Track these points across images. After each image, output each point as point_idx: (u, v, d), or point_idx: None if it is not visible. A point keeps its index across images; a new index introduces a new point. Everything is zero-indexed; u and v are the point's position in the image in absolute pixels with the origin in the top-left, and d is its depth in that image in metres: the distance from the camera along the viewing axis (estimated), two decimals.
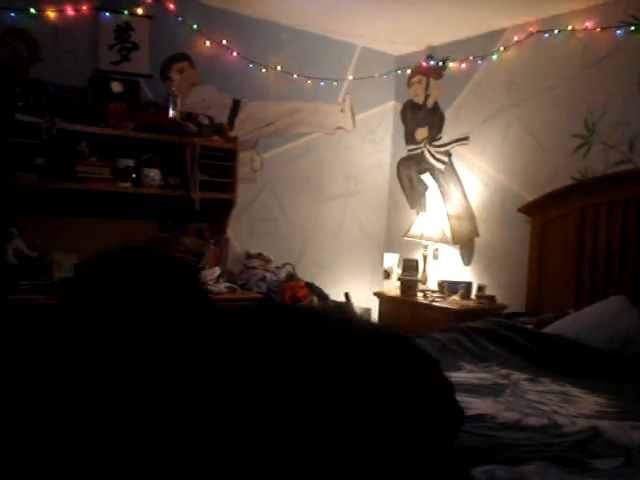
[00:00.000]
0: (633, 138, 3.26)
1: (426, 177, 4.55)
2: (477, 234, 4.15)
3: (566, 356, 2.62)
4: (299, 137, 4.39)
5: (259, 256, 4.09)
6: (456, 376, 2.39)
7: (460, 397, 2.08)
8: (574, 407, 2.06)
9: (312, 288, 4.07)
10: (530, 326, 3.07)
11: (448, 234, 4.28)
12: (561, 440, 1.72)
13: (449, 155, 4.35)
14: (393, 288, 4.26)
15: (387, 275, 4.41)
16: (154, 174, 3.47)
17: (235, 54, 3.98)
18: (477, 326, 3.05)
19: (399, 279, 4.15)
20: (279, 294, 3.86)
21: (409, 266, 4.05)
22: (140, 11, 3.60)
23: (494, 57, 4.00)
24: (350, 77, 4.52)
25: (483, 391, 2.19)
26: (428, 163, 4.53)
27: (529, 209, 3.71)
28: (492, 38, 4.01)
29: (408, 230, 4.25)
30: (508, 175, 3.94)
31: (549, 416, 1.94)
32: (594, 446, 1.69)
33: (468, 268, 4.19)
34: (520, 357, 2.69)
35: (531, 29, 3.75)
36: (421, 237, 4.15)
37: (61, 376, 1.27)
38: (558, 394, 2.20)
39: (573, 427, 1.84)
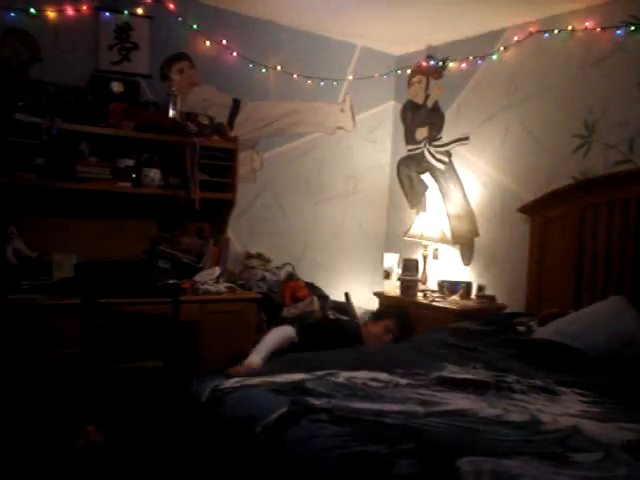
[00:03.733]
0: (633, 138, 3.26)
1: (426, 177, 4.55)
2: (477, 234, 4.15)
3: (554, 361, 2.58)
4: (299, 137, 4.39)
5: (259, 256, 4.08)
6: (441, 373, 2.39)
7: (442, 394, 2.08)
8: (559, 406, 2.05)
9: (312, 288, 4.07)
10: (533, 322, 3.07)
11: (448, 234, 4.28)
12: (542, 437, 1.73)
13: (449, 155, 4.35)
14: (393, 288, 4.26)
15: (387, 275, 4.41)
16: (154, 174, 3.47)
17: (235, 54, 3.98)
18: (466, 327, 3.06)
19: (399, 279, 4.15)
20: (279, 294, 3.86)
21: (409, 266, 4.05)
22: (140, 11, 3.61)
23: (494, 57, 4.00)
24: (350, 77, 4.52)
25: (467, 389, 2.18)
26: (428, 163, 4.53)
27: (529, 209, 3.71)
28: (492, 38, 4.01)
29: (408, 230, 4.25)
30: (508, 175, 3.94)
31: (532, 413, 1.94)
32: (575, 442, 1.70)
33: (468, 268, 4.19)
34: (508, 360, 2.63)
35: (531, 29, 3.75)
36: (421, 237, 4.15)
37: None
38: (544, 394, 2.19)
39: (554, 424, 1.83)
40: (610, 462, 1.57)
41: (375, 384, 2.18)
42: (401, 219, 4.69)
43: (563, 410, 2.01)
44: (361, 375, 2.26)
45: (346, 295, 4.25)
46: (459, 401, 2.02)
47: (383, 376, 2.28)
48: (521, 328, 3.11)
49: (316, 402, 1.91)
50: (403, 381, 2.23)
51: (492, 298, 3.83)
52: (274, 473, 1.71)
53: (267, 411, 1.86)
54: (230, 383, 2.16)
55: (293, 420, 1.77)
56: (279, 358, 2.59)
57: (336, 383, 2.15)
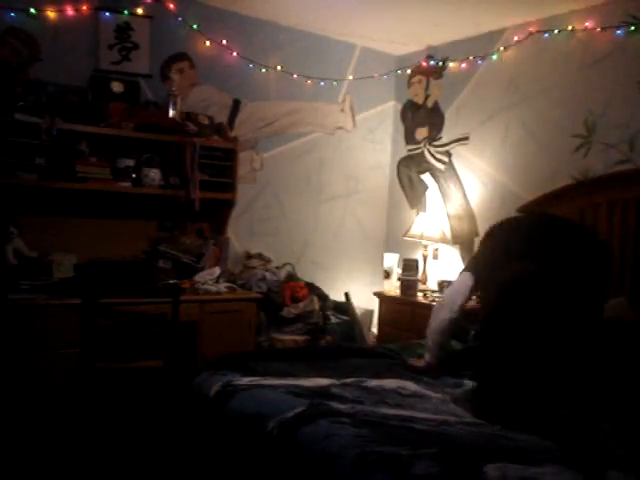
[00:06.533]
0: (633, 138, 3.26)
1: (426, 177, 4.55)
2: (477, 234, 4.15)
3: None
4: (299, 137, 4.39)
5: (259, 256, 4.09)
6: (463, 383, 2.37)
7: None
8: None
9: (312, 288, 4.08)
10: None
11: (448, 234, 4.28)
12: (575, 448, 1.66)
13: (449, 155, 4.35)
14: (393, 288, 4.26)
15: (387, 275, 4.41)
16: (154, 174, 3.47)
17: (235, 54, 3.98)
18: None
19: (399, 279, 4.15)
20: (279, 294, 3.86)
21: (409, 266, 4.05)
22: (140, 11, 3.60)
23: (494, 57, 4.00)
24: (350, 77, 4.52)
25: None
26: (428, 163, 4.53)
27: (529, 209, 3.70)
28: (492, 38, 4.01)
29: (408, 230, 4.25)
30: (508, 175, 3.94)
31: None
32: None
33: None
34: None
35: (531, 29, 3.75)
36: (421, 237, 4.15)
37: None
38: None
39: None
40: None
41: (405, 392, 2.15)
42: (401, 219, 4.69)
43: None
44: (388, 383, 2.23)
45: (346, 295, 4.25)
46: None
47: (409, 385, 2.25)
48: None
49: (340, 406, 1.86)
50: (429, 393, 2.19)
51: None
52: (285, 471, 1.68)
53: (283, 409, 1.83)
54: (245, 380, 2.14)
55: (311, 419, 1.74)
56: (306, 363, 2.49)
57: (367, 388, 2.12)
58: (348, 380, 2.23)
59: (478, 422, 1.84)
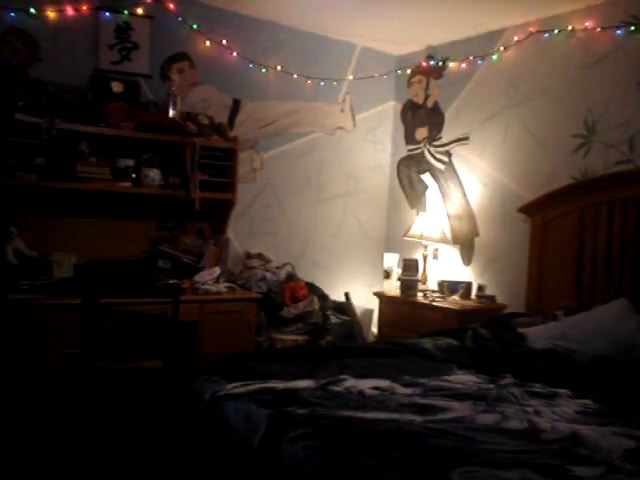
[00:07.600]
0: (633, 138, 3.26)
1: (426, 177, 4.55)
2: (477, 234, 4.15)
3: (551, 372, 2.50)
4: (299, 137, 4.39)
5: (259, 256, 4.09)
6: (446, 379, 2.37)
7: (439, 401, 2.04)
8: (558, 409, 2.03)
9: (312, 288, 4.08)
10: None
11: (448, 234, 4.28)
12: (541, 447, 1.66)
13: (449, 155, 4.35)
14: (393, 288, 4.26)
15: (387, 275, 4.41)
16: (154, 174, 3.47)
17: (235, 54, 3.98)
18: (476, 330, 3.07)
19: (399, 279, 4.15)
20: (279, 294, 3.87)
21: (409, 266, 4.05)
22: (140, 11, 3.61)
23: (494, 57, 4.00)
24: (350, 77, 4.52)
25: (463, 396, 2.14)
26: (428, 163, 4.53)
27: (529, 209, 3.70)
28: (492, 38, 4.01)
29: (408, 230, 4.25)
30: (508, 175, 3.94)
31: (529, 418, 1.90)
32: (575, 454, 1.63)
33: (468, 268, 4.19)
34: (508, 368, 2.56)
35: (531, 29, 3.75)
36: (421, 237, 4.15)
37: None
38: (543, 397, 2.17)
39: (553, 433, 1.78)
40: (612, 476, 1.50)
41: (372, 392, 2.12)
42: (401, 219, 4.69)
43: (560, 413, 1.98)
44: (362, 384, 2.20)
45: (346, 295, 4.25)
46: (455, 407, 1.98)
47: (385, 384, 2.23)
48: (522, 330, 3.10)
49: (300, 411, 1.85)
50: (403, 389, 2.18)
51: (492, 298, 3.83)
52: None
53: (252, 429, 1.83)
54: (225, 390, 2.12)
55: (278, 439, 1.71)
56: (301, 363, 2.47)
57: (334, 392, 2.09)
58: (324, 381, 2.19)
59: (442, 422, 1.82)
